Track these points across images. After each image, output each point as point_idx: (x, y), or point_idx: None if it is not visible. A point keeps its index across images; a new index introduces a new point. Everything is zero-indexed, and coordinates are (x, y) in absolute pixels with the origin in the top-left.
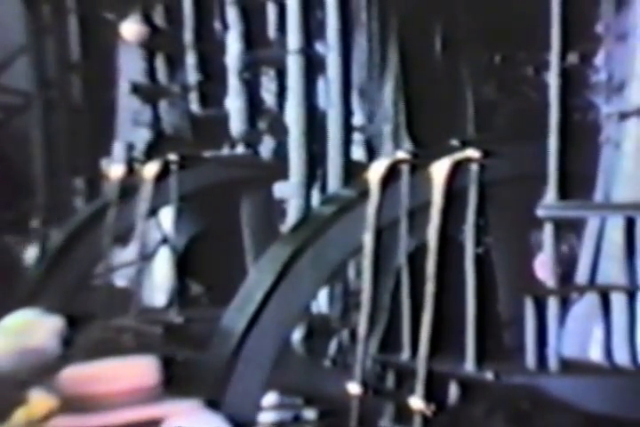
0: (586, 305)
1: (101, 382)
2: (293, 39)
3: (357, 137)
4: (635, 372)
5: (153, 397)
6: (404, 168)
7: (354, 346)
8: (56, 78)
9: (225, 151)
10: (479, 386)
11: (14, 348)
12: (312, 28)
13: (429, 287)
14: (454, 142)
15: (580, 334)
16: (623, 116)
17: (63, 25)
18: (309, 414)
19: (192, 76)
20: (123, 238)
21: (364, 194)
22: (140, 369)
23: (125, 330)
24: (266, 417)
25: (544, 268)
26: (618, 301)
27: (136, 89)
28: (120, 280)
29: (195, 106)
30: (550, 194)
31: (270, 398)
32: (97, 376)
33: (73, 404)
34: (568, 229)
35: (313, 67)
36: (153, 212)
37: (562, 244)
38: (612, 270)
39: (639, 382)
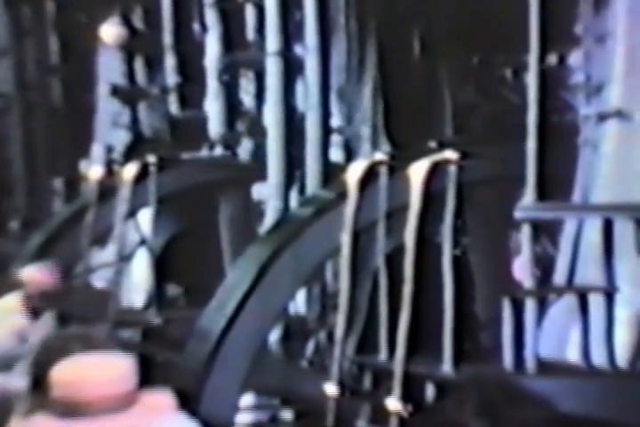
0: (563, 306)
1: (88, 387)
2: (272, 41)
3: (336, 139)
4: (612, 373)
5: (132, 400)
6: (382, 170)
7: (331, 347)
8: (36, 80)
9: (204, 153)
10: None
11: None
12: (291, 31)
13: (407, 288)
14: (432, 144)
15: (558, 336)
16: (602, 117)
17: (43, 28)
18: (286, 414)
19: (171, 78)
20: (101, 239)
21: (342, 195)
22: (123, 372)
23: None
24: (243, 417)
25: (522, 270)
26: (595, 302)
27: (115, 91)
28: (98, 281)
29: (174, 108)
30: (528, 195)
31: (247, 399)
32: (82, 381)
33: (62, 407)
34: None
35: (291, 69)
36: (131, 213)
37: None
38: (590, 272)
39: (616, 383)
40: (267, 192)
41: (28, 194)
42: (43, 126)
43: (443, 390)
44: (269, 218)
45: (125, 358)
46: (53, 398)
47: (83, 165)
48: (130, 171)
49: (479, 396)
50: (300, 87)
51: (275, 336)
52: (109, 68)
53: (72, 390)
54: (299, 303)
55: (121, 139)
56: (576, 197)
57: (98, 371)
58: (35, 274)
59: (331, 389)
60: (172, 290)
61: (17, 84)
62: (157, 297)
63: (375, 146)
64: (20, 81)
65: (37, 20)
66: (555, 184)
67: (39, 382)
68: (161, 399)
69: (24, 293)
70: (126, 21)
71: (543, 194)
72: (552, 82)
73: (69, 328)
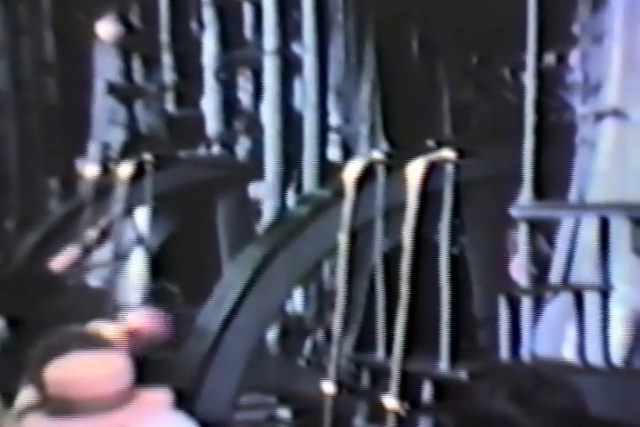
0: (559, 305)
1: (84, 385)
2: (270, 40)
3: (333, 137)
4: (608, 370)
5: (127, 398)
6: (380, 168)
7: (328, 345)
8: (31, 78)
9: (201, 151)
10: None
11: None
12: (288, 29)
13: (404, 287)
14: (430, 143)
15: (554, 334)
16: (599, 116)
17: (38, 25)
18: (284, 413)
19: (168, 76)
20: (97, 238)
21: (339, 194)
22: (118, 370)
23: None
24: (240, 416)
25: (519, 269)
26: (591, 300)
27: (112, 89)
28: (94, 280)
29: (171, 106)
30: (525, 194)
31: (245, 397)
32: (80, 379)
33: (57, 406)
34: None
35: (289, 67)
36: (128, 212)
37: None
38: (586, 270)
39: (612, 381)
40: (264, 191)
41: (23, 193)
42: (38, 124)
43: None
44: (266, 217)
45: (121, 356)
46: (48, 396)
47: (79, 164)
48: (126, 169)
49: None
50: (297, 86)
51: (272, 335)
52: (106, 66)
53: (66, 389)
54: (296, 302)
55: (117, 137)
56: (572, 195)
57: (92, 369)
58: (142, 321)
59: (328, 387)
60: (170, 288)
61: (12, 82)
62: (154, 296)
63: (373, 145)
64: (15, 79)
65: (33, 17)
66: (551, 183)
67: (38, 381)
68: (157, 398)
69: (128, 339)
70: (123, 19)
71: (540, 193)
72: (550, 81)
73: (68, 327)
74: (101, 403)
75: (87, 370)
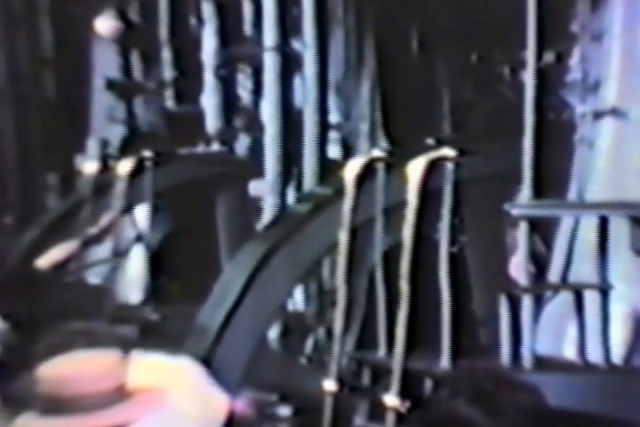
0: (559, 304)
1: (76, 383)
2: (269, 36)
3: (333, 135)
4: (608, 370)
5: (122, 396)
6: (380, 166)
7: (330, 343)
8: (29, 73)
9: (200, 148)
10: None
11: None
12: (288, 25)
13: (404, 286)
14: (430, 141)
15: (554, 332)
16: (597, 115)
17: (36, 19)
18: (284, 410)
19: (167, 72)
20: (97, 235)
21: (339, 192)
22: (112, 368)
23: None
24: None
25: (518, 268)
26: (591, 299)
27: (111, 85)
28: (93, 277)
29: (170, 102)
30: (524, 193)
31: (246, 395)
32: (72, 377)
33: (49, 404)
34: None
35: (289, 64)
36: (127, 209)
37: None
38: (585, 269)
39: (612, 380)
40: (263, 188)
41: (21, 189)
42: (36, 121)
43: (440, 385)
44: (266, 214)
45: (116, 354)
46: (41, 394)
47: (77, 160)
48: (125, 166)
49: (472, 385)
50: (297, 83)
51: (273, 333)
52: (104, 62)
53: (58, 386)
54: (297, 300)
55: (116, 133)
56: (571, 194)
57: (83, 366)
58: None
59: (329, 385)
60: (170, 286)
61: (9, 77)
62: (154, 293)
63: (373, 143)
64: (12, 74)
65: (30, 11)
66: (551, 182)
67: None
68: (153, 395)
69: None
70: (122, 14)
71: (539, 191)
72: (549, 80)
73: (72, 324)
74: (94, 401)
75: (78, 367)
